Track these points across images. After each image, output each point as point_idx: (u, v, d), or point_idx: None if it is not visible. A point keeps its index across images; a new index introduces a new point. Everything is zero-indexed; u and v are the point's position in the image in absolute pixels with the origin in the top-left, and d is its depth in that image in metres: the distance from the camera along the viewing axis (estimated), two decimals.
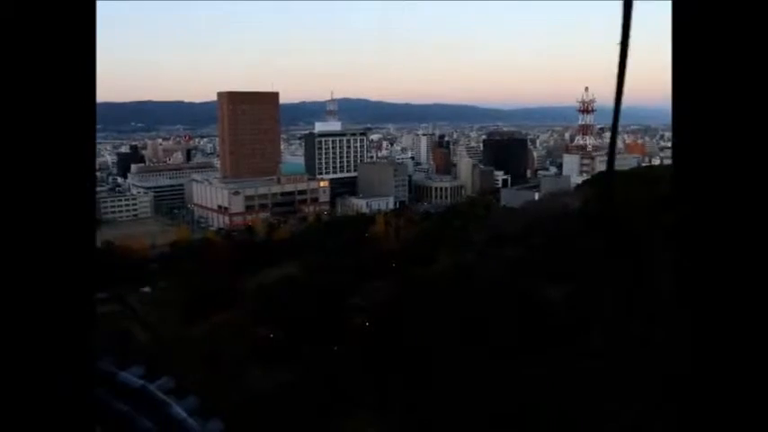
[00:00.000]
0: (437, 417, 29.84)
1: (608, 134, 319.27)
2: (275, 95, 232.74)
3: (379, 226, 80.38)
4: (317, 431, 32.11)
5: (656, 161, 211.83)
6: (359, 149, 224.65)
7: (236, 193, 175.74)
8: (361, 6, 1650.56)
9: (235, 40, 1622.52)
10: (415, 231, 73.59)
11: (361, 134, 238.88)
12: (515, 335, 31.93)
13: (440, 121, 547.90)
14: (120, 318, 50.92)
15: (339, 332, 39.99)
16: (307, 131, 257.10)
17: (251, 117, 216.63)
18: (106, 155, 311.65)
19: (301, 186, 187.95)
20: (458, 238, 57.12)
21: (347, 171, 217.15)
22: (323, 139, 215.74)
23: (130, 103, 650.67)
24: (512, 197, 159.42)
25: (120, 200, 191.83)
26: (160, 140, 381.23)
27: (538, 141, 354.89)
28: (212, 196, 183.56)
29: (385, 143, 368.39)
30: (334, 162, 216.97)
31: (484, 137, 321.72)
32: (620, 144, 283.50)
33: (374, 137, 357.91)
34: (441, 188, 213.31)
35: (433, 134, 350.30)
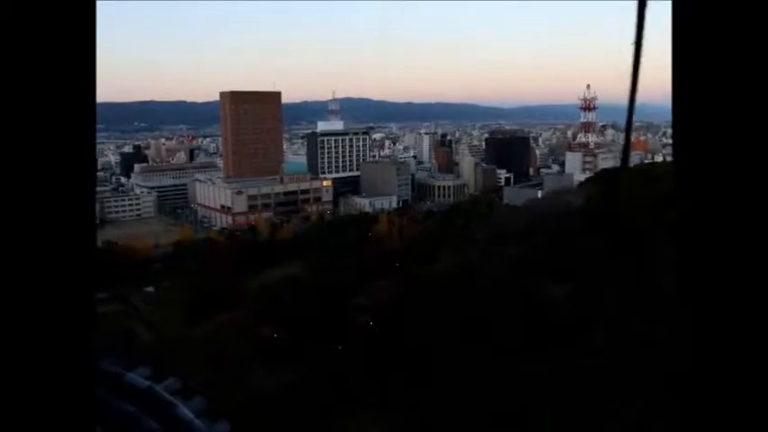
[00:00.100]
0: (440, 416, 29.85)
1: (609, 131, 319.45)
2: (277, 95, 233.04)
3: (383, 225, 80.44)
4: (321, 431, 32.14)
5: (659, 158, 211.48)
6: (361, 148, 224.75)
7: (239, 192, 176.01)
8: (361, 6, 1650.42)
9: (236, 41, 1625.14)
10: (419, 230, 73.61)
11: (364, 133, 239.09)
12: (518, 333, 31.92)
13: (442, 119, 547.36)
14: (123, 317, 51.02)
15: (342, 332, 40.00)
16: (309, 131, 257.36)
17: (253, 117, 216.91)
18: (109, 155, 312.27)
19: (304, 186, 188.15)
20: (461, 237, 57.08)
21: (350, 170, 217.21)
22: (325, 139, 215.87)
23: (133, 103, 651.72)
24: (514, 195, 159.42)
25: (124, 199, 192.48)
26: (163, 140, 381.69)
27: (540, 139, 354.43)
28: (215, 196, 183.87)
29: (387, 142, 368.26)
30: (337, 161, 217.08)
31: (486, 135, 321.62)
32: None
33: (376, 136, 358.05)
34: (443, 187, 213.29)
35: (436, 133, 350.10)
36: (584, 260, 35.31)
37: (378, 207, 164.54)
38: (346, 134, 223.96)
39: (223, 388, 36.21)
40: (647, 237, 32.21)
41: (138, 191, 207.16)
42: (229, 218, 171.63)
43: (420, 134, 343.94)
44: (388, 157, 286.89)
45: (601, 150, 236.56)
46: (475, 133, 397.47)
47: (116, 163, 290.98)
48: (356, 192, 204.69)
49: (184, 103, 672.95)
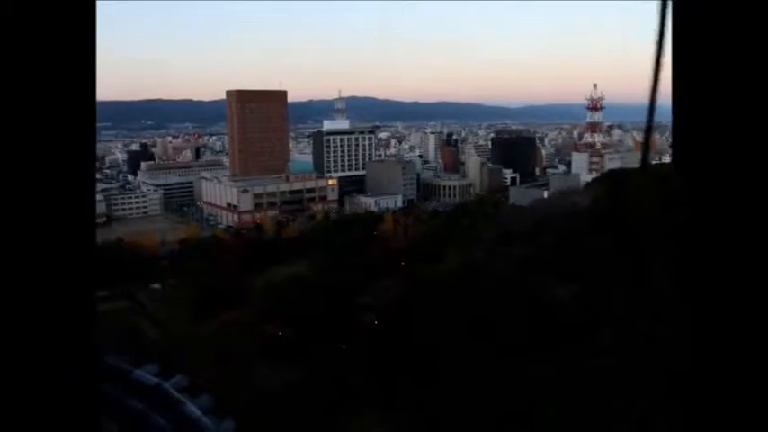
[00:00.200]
0: (445, 415, 29.85)
1: (616, 132, 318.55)
2: (283, 94, 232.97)
3: (388, 224, 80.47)
4: (325, 430, 32.19)
5: (666, 158, 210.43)
6: (367, 148, 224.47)
7: (245, 191, 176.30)
8: (361, 6, 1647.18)
9: (241, 40, 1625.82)
10: (424, 230, 73.59)
11: (370, 132, 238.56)
12: (524, 333, 31.88)
13: (448, 119, 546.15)
14: (129, 314, 51.32)
15: (347, 331, 40.07)
16: (315, 130, 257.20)
17: (259, 115, 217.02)
18: (117, 153, 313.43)
19: (310, 184, 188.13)
20: (466, 237, 57.01)
21: (355, 169, 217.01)
22: (331, 138, 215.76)
23: (140, 101, 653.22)
24: (521, 195, 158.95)
25: (131, 197, 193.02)
26: (170, 138, 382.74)
27: (546, 139, 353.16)
28: (221, 194, 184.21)
29: (393, 141, 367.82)
30: (343, 160, 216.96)
31: (492, 135, 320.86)
32: (630, 141, 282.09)
33: (382, 135, 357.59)
34: (449, 186, 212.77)
35: (441, 132, 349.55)
36: (591, 261, 35.22)
37: (383, 206, 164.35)
38: (352, 133, 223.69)
39: (229, 386, 36.35)
40: (653, 237, 32.07)
41: (144, 188, 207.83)
42: (235, 216, 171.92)
43: (426, 133, 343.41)
44: (394, 156, 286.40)
45: (607, 151, 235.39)
46: (481, 133, 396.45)
47: (123, 161, 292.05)
48: (362, 191, 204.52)
49: (191, 101, 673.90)
